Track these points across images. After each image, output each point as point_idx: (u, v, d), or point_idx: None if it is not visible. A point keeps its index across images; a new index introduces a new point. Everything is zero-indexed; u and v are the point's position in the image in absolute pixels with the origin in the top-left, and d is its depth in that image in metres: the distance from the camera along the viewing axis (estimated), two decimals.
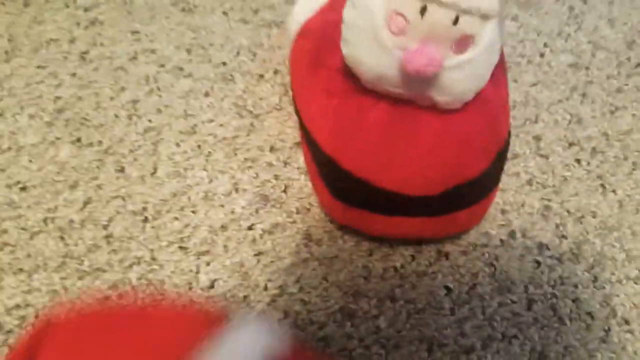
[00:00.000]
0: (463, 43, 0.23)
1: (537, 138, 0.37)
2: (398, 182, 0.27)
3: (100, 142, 0.38)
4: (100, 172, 0.36)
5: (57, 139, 0.38)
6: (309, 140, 0.31)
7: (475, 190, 0.28)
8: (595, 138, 0.37)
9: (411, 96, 0.26)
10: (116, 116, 0.39)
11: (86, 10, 0.46)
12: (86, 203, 0.35)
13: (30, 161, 0.37)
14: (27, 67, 0.43)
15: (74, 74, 0.42)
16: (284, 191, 0.35)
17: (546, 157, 0.36)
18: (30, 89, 0.41)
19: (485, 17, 0.23)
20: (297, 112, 0.33)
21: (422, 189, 0.27)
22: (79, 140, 0.38)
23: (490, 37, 0.23)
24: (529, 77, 0.40)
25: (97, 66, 0.42)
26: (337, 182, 0.29)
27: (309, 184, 0.34)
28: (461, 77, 0.24)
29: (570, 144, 0.37)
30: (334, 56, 0.28)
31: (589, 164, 0.35)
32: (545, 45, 0.41)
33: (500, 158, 0.29)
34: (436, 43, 0.23)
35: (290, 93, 0.35)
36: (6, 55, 0.43)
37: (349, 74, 0.27)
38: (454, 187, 0.27)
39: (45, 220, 0.34)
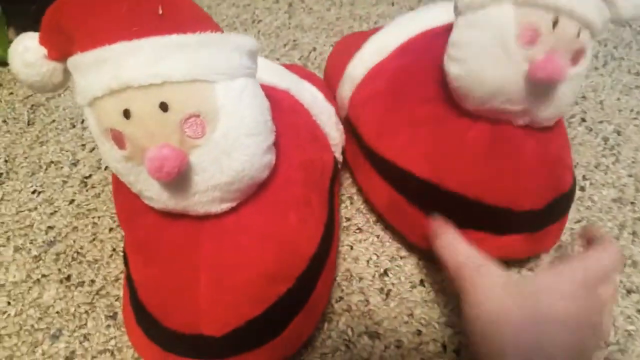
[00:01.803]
0: (578, 55, 0.25)
1: None
2: (506, 197, 0.28)
3: (92, 282, 0.33)
4: (89, 318, 0.31)
5: (44, 276, 0.33)
6: (393, 172, 0.31)
7: (564, 203, 0.31)
8: None
9: (511, 115, 0.27)
10: (114, 250, 0.34)
11: None
12: (68, 359, 0.29)
13: (9, 303, 0.32)
14: (21, 191, 0.39)
15: (72, 201, 0.38)
16: None
17: None
18: (20, 216, 0.37)
19: (594, 32, 0.25)
20: (369, 151, 0.33)
21: (528, 203, 0.28)
22: (68, 278, 0.33)
23: (591, 53, 0.26)
24: (571, 213, 0.36)
25: (99, 192, 0.39)
26: (438, 203, 0.29)
27: None
28: (570, 90, 0.26)
29: (629, 291, 0.32)
30: (419, 90, 0.31)
31: None
32: (584, 177, 0.39)
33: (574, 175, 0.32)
34: (560, 54, 0.24)
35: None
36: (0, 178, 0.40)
37: (436, 103, 0.29)
38: (554, 200, 0.29)
39: None
